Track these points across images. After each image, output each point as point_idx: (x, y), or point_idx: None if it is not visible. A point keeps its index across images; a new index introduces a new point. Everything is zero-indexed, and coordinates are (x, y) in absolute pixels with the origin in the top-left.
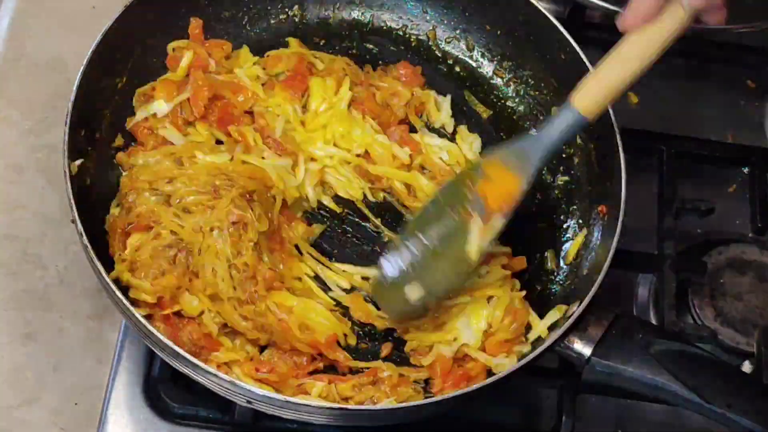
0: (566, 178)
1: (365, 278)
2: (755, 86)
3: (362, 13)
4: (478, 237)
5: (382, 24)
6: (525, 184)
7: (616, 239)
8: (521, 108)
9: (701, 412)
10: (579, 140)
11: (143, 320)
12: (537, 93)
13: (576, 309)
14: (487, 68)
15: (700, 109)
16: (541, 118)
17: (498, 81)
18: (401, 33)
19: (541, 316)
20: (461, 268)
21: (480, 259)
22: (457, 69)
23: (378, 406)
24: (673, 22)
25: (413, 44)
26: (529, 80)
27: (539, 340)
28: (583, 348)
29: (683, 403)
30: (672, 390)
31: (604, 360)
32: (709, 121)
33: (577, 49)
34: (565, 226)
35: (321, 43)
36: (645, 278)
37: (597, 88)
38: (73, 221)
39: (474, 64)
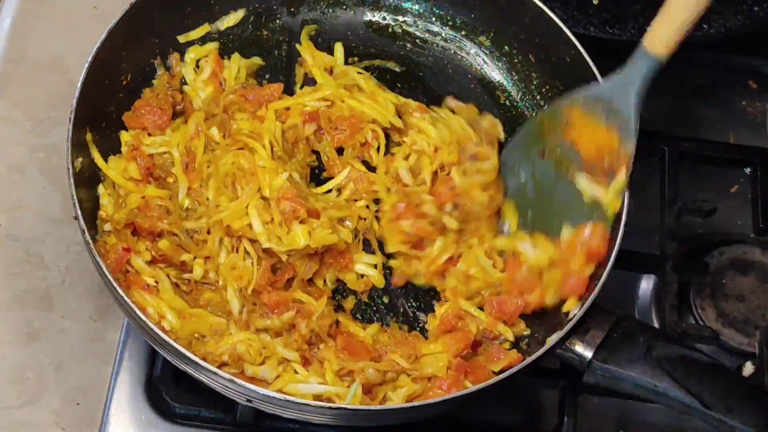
0: None
1: None
2: (757, 87)
3: (365, 12)
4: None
5: (385, 24)
6: (628, 137)
7: (618, 240)
8: (527, 110)
9: (702, 418)
10: None
11: (144, 317)
12: (540, 96)
13: (578, 311)
14: (492, 69)
15: (702, 110)
16: None
17: (503, 82)
18: (405, 33)
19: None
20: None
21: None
22: None
23: (378, 407)
24: None
25: (418, 44)
26: (534, 81)
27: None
28: (584, 351)
29: (684, 408)
30: (672, 395)
31: (605, 364)
32: (710, 122)
33: (582, 51)
34: None
35: (321, 42)
36: (647, 279)
37: (667, 31)
38: (76, 218)
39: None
